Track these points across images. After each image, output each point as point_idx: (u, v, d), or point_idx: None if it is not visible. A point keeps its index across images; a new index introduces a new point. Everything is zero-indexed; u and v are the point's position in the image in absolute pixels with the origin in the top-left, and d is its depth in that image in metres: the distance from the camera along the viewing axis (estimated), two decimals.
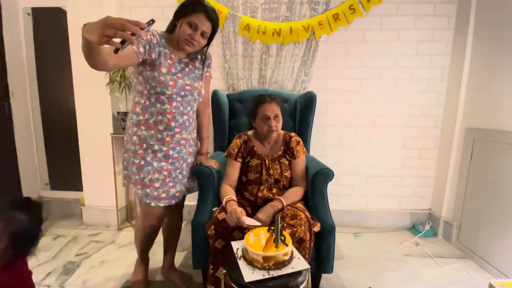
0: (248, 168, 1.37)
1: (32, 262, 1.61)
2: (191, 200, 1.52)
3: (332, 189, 2.18)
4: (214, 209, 1.30)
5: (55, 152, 2.32)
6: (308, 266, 0.89)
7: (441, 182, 2.05)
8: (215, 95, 1.78)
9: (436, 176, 2.11)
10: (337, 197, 2.19)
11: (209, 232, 1.16)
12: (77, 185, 2.20)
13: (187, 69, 1.24)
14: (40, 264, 1.62)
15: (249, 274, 0.85)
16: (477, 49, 1.79)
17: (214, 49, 2.00)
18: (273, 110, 1.30)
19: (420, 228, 2.07)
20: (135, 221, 2.12)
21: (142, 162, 1.20)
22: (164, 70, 1.15)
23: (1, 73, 2.04)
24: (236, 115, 1.88)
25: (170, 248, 1.50)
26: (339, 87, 2.04)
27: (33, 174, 2.28)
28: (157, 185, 1.21)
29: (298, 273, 0.85)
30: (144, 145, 1.20)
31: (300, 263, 0.88)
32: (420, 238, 1.99)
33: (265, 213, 1.19)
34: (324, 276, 1.44)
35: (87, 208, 2.14)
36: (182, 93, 1.19)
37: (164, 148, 1.22)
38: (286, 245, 0.88)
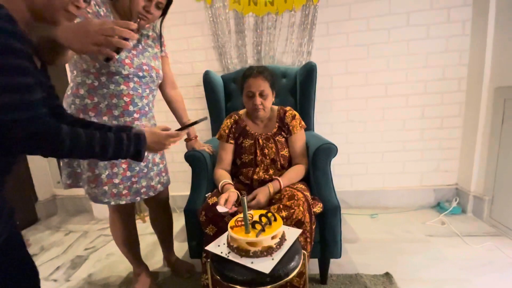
0: (241, 149, 1.26)
1: (42, 258, 1.66)
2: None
3: (344, 169, 2.03)
4: (207, 195, 1.21)
5: None
6: (266, 272, 0.69)
7: (468, 152, 1.81)
8: (207, 76, 1.67)
9: (463, 146, 1.87)
10: (350, 177, 2.03)
11: (200, 219, 1.08)
12: None
13: (140, 46, 1.07)
14: (51, 259, 1.65)
15: (214, 245, 0.81)
16: None
17: (203, 28, 1.88)
18: (259, 85, 1.16)
19: (446, 206, 1.87)
20: (142, 214, 2.11)
21: None
22: None
23: None
24: (232, 97, 1.76)
25: (165, 242, 1.42)
26: (344, 56, 1.84)
27: (44, 173, 2.33)
28: (116, 180, 1.06)
29: (283, 260, 0.74)
30: None
31: (264, 266, 0.70)
32: (446, 216, 1.79)
33: (262, 194, 1.08)
34: (335, 261, 1.32)
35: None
36: (140, 73, 1.04)
37: None
38: (259, 235, 0.75)
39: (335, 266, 1.34)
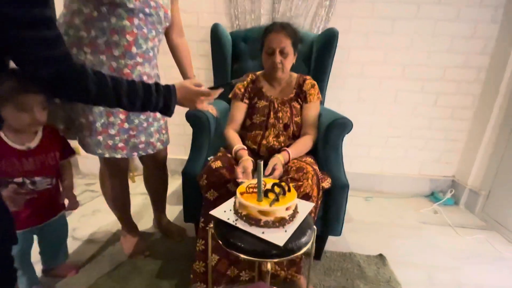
0: (254, 109, 1.16)
1: None
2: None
3: (345, 149, 1.95)
4: (209, 158, 1.13)
5: None
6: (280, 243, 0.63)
7: (472, 147, 1.79)
8: (216, 30, 1.50)
9: (468, 140, 1.84)
10: (350, 158, 1.99)
11: (200, 183, 1.00)
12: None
13: None
14: None
15: (220, 210, 0.74)
16: None
17: None
18: (280, 41, 1.04)
19: (440, 196, 1.87)
20: (132, 173, 2.02)
21: None
22: None
23: None
24: (240, 58, 1.61)
25: (158, 203, 1.35)
26: (366, 28, 1.69)
27: None
28: (112, 131, 0.94)
29: (295, 234, 0.67)
30: None
31: (277, 237, 0.63)
32: (439, 206, 1.80)
33: (279, 165, 0.98)
34: (329, 239, 1.29)
35: (83, 157, 2.03)
36: (147, 9, 0.89)
37: None
38: (272, 204, 0.67)
39: (329, 244, 1.32)
